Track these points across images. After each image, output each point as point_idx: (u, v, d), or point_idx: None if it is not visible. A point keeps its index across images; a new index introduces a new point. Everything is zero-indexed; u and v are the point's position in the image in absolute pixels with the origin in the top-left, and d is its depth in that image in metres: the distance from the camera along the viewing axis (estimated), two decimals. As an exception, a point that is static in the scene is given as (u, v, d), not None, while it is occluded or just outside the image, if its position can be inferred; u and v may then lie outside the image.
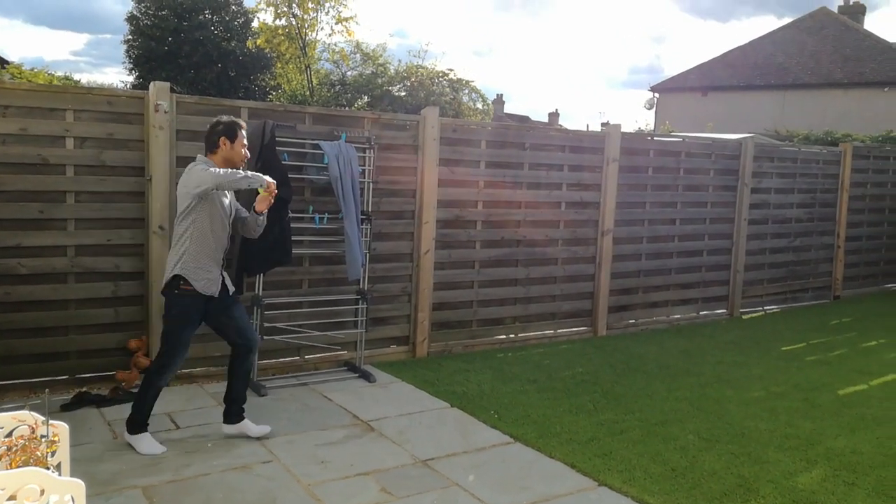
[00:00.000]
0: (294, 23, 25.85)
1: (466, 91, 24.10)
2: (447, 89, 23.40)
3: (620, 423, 4.65)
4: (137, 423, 3.93)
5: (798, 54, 22.40)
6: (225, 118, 3.95)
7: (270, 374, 5.34)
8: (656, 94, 24.27)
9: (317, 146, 5.24)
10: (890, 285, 10.11)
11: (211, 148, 3.89)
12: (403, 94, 23.17)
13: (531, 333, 6.73)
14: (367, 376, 5.37)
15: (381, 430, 4.39)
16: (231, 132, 3.87)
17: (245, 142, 3.96)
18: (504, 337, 6.57)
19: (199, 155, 3.95)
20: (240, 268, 4.90)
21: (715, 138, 8.77)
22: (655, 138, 8.38)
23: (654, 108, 24.14)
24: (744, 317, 8.19)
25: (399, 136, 5.91)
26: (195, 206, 3.78)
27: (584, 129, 22.37)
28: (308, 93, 24.63)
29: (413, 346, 6.03)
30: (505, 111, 38.70)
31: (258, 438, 4.14)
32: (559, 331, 6.90)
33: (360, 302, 5.48)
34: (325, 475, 3.75)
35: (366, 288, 5.55)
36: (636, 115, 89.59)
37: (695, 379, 5.69)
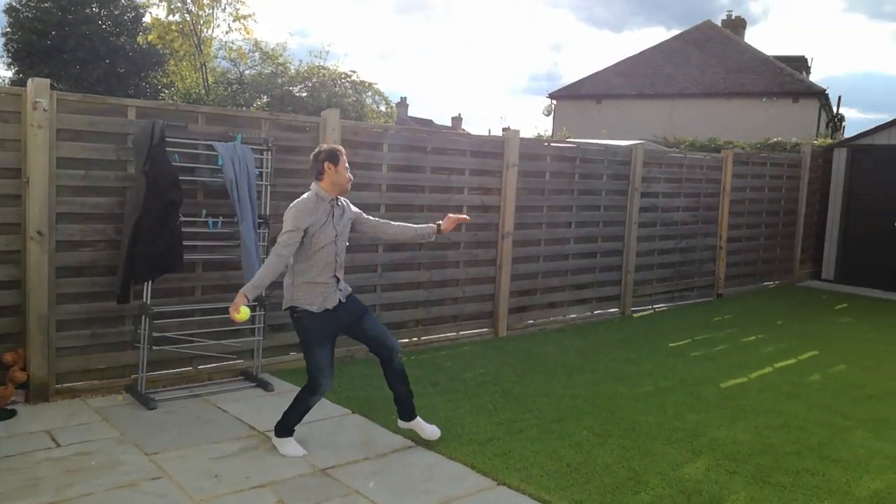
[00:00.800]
0: (189, 19, 24.92)
1: (370, 93, 23.97)
2: (350, 91, 23.19)
3: (519, 421, 4.75)
4: (285, 428, 4.14)
5: (685, 65, 23.68)
6: (325, 146, 4.12)
7: (161, 386, 5.11)
8: (554, 101, 25.00)
9: (211, 147, 5.07)
10: (766, 283, 10.84)
11: (317, 176, 4.03)
12: (305, 94, 22.77)
13: (434, 336, 6.77)
14: (264, 385, 5.23)
15: (280, 440, 4.29)
16: (334, 157, 4.02)
17: (347, 164, 4.10)
18: (407, 340, 6.57)
19: (312, 184, 4.05)
20: (126, 275, 4.67)
21: (608, 144, 9.13)
22: (552, 144, 8.63)
23: (551, 115, 24.85)
24: (635, 315, 8.57)
25: (299, 137, 5.80)
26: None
27: (486, 133, 22.77)
28: (203, 91, 23.79)
29: (314, 353, 5.92)
30: (409, 114, 38.84)
31: (151, 454, 3.95)
32: (461, 333, 6.98)
33: (258, 308, 5.34)
34: (218, 490, 3.62)
35: (263, 294, 5.40)
36: (536, 121, 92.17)
37: (589, 377, 5.89)
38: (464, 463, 4.07)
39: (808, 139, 13.77)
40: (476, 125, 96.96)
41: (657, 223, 8.90)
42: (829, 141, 13.64)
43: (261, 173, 5.33)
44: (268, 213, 5.38)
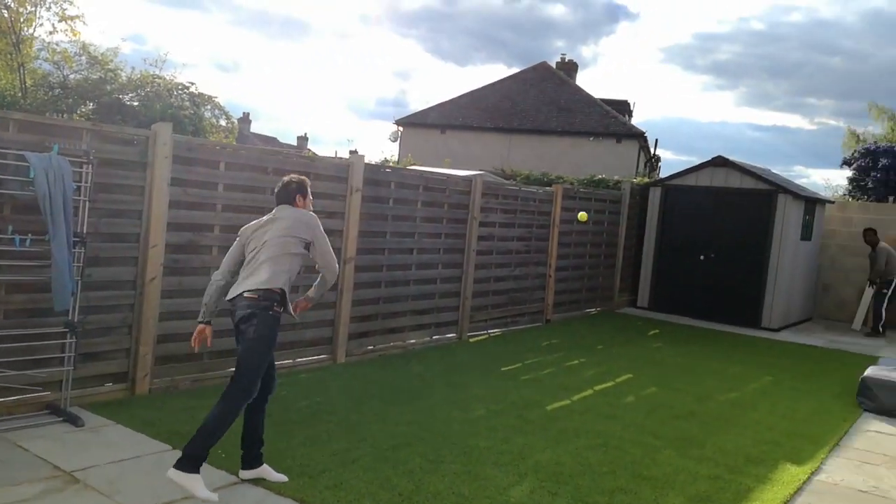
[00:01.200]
0: (7, 15, 22.60)
1: (209, 107, 22.94)
2: (187, 103, 22.06)
3: (353, 451, 4.70)
4: (200, 458, 3.73)
5: (522, 102, 25.04)
6: (295, 178, 4.37)
7: (-52, 423, 4.51)
8: (400, 128, 25.40)
9: (22, 157, 4.60)
10: (589, 310, 11.61)
11: (293, 201, 4.31)
12: (137, 104, 21.37)
13: (268, 363, 6.53)
14: (73, 420, 4.77)
15: (87, 481, 3.92)
16: (303, 188, 4.36)
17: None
18: (238, 368, 6.30)
19: (287, 207, 4.29)
20: None
21: (450, 174, 9.40)
22: (396, 170, 8.74)
23: (398, 141, 25.20)
24: (471, 340, 8.83)
25: (125, 150, 5.43)
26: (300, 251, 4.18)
27: (333, 155, 22.57)
28: (20, 94, 21.61)
29: (133, 383, 5.51)
30: (252, 130, 37.65)
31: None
32: (299, 360, 6.80)
33: (69, 335, 4.88)
34: (12, 540, 3.24)
35: (76, 319, 4.96)
36: (383, 146, 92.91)
37: (425, 402, 5.97)
38: (293, 498, 3.95)
39: (629, 177, 15.00)
40: (323, 146, 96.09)
41: (493, 251, 9.26)
42: (646, 180, 14.94)
43: (79, 188, 4.91)
44: (84, 230, 4.96)
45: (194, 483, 3.65)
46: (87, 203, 5.00)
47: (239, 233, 4.28)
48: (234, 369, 3.96)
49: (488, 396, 6.30)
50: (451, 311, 8.67)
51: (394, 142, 25.41)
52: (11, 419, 4.71)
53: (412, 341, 8.16)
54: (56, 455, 4.22)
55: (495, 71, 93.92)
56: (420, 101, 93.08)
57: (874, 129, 32.62)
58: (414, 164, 17.01)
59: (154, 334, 5.59)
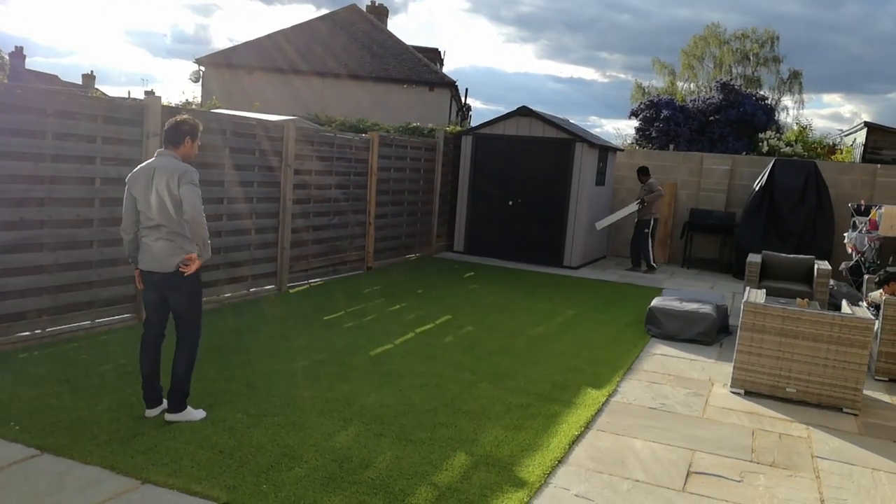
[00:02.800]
0: None
1: (-30, 38, 19.83)
2: (-59, 32, 18.91)
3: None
4: (186, 394, 4.41)
5: (333, 46, 24.38)
6: (189, 119, 4.32)
7: None
8: (202, 67, 23.70)
9: None
10: (409, 255, 11.84)
11: (176, 143, 4.30)
12: None
13: (63, 326, 5.95)
14: None
15: None
16: (195, 132, 4.36)
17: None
18: (28, 333, 5.67)
19: (168, 151, 4.29)
20: None
21: (260, 118, 8.96)
22: (200, 114, 8.15)
23: (199, 82, 23.53)
24: (291, 291, 8.65)
25: None
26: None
27: (126, 96, 20.59)
28: None
29: None
30: (27, 67, 33.24)
31: None
32: (97, 321, 6.26)
33: None
34: None
35: None
36: (183, 87, 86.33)
37: (244, 356, 5.78)
38: (102, 465, 3.67)
39: (442, 125, 15.31)
40: (114, 86, 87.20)
41: (311, 200, 9.06)
42: (458, 128, 15.33)
43: None
44: None
45: (191, 413, 4.39)
46: None
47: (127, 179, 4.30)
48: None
49: (310, 346, 6.24)
50: (269, 262, 8.40)
51: (195, 82, 23.72)
52: None
53: (227, 295, 7.81)
54: None
55: (303, 11, 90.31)
56: (224, 39, 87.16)
57: (657, 83, 36.02)
58: (219, 108, 16.01)
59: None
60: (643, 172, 12.46)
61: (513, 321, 7.87)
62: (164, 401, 4.43)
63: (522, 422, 4.80)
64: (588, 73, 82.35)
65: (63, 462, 3.70)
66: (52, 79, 33.39)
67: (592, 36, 72.88)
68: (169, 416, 4.34)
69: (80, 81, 34.41)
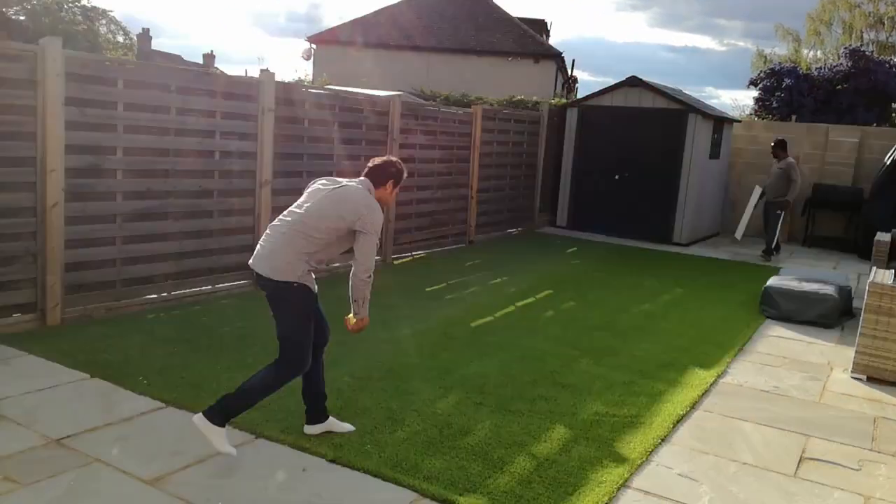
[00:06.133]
0: None
1: (104, 21, 21.35)
2: (79, 17, 20.45)
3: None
4: (229, 416, 3.54)
5: (440, 20, 24.42)
6: (398, 163, 3.87)
7: None
8: (313, 45, 24.39)
9: None
10: (511, 230, 11.81)
11: (378, 183, 3.79)
12: (23, 18, 19.62)
13: (187, 291, 6.37)
14: (-20, 353, 4.54)
15: (2, 412, 3.77)
16: (399, 178, 3.86)
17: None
18: (156, 296, 6.11)
19: (368, 182, 3.76)
20: None
21: (368, 94, 9.14)
22: (311, 90, 8.42)
23: (311, 59, 24.23)
24: (395, 262, 8.84)
25: (11, 68, 4.99)
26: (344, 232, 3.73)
27: (243, 74, 21.52)
28: None
29: (43, 314, 5.27)
30: (153, 48, 35.41)
31: None
32: (218, 286, 6.65)
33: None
34: (-79, 477, 3.10)
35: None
36: (296, 65, 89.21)
37: (351, 324, 5.97)
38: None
39: (547, 98, 15.05)
40: (232, 65, 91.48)
41: (415, 174, 9.18)
42: (563, 101, 15.03)
43: (-37, 107, 4.51)
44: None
45: (217, 436, 3.49)
46: (-26, 123, 4.60)
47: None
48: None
49: (413, 316, 6.37)
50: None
51: (307, 60, 24.42)
52: None
53: (336, 265, 8.08)
54: (-38, 390, 4.02)
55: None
56: (334, 17, 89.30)
57: (780, 51, 33.77)
58: (329, 85, 16.46)
59: (61, 262, 5.32)
60: (780, 147, 10.75)
61: (617, 297, 7.71)
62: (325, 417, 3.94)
63: (624, 398, 4.72)
64: (704, 42, 78.57)
65: (185, 415, 3.97)
66: (175, 58, 35.40)
67: (709, 2, 69.22)
68: (197, 421, 3.52)
69: (201, 61, 36.28)
